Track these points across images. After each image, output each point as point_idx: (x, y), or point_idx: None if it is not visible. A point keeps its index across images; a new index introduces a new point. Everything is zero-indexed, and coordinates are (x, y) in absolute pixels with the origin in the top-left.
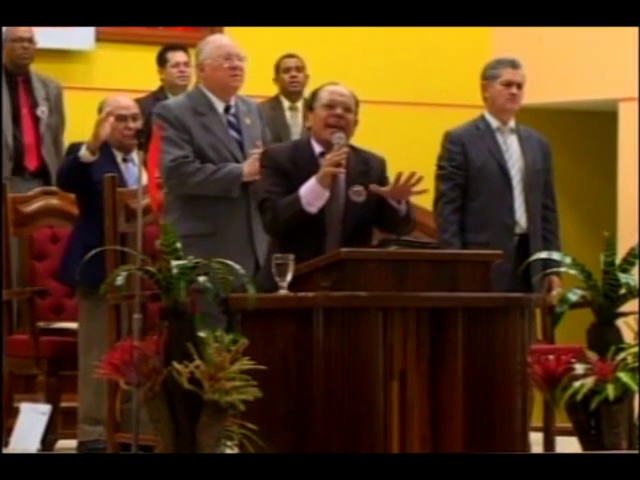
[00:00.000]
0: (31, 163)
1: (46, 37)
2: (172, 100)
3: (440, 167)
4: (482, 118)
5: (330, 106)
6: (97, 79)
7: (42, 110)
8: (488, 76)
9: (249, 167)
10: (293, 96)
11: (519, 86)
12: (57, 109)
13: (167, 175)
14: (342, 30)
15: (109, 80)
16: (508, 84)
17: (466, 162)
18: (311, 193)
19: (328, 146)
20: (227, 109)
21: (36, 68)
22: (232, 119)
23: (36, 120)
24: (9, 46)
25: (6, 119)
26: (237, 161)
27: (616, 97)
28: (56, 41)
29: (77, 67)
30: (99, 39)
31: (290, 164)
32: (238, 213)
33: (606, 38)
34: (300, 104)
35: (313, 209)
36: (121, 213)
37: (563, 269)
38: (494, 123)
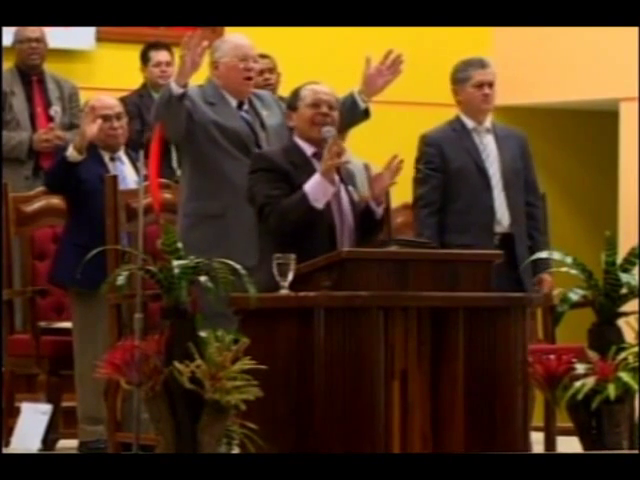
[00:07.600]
0: (46, 162)
1: (47, 37)
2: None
3: (417, 170)
4: (457, 119)
5: (315, 105)
6: (97, 79)
7: (55, 110)
8: (458, 79)
9: None
10: None
11: (490, 85)
12: (71, 109)
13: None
14: (342, 31)
15: (109, 80)
16: (480, 85)
17: (444, 164)
18: (317, 188)
19: (318, 143)
20: (240, 105)
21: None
22: (245, 115)
23: (50, 119)
24: (18, 47)
25: (23, 118)
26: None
27: (617, 97)
28: (56, 41)
29: (77, 67)
30: (99, 39)
31: (289, 165)
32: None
33: (606, 38)
34: None
35: (319, 205)
36: (121, 213)
37: (555, 268)
38: (470, 124)
